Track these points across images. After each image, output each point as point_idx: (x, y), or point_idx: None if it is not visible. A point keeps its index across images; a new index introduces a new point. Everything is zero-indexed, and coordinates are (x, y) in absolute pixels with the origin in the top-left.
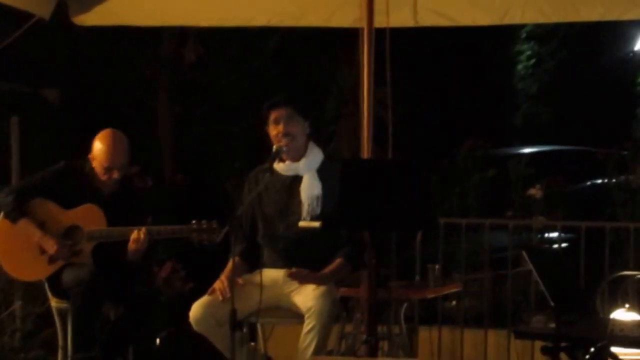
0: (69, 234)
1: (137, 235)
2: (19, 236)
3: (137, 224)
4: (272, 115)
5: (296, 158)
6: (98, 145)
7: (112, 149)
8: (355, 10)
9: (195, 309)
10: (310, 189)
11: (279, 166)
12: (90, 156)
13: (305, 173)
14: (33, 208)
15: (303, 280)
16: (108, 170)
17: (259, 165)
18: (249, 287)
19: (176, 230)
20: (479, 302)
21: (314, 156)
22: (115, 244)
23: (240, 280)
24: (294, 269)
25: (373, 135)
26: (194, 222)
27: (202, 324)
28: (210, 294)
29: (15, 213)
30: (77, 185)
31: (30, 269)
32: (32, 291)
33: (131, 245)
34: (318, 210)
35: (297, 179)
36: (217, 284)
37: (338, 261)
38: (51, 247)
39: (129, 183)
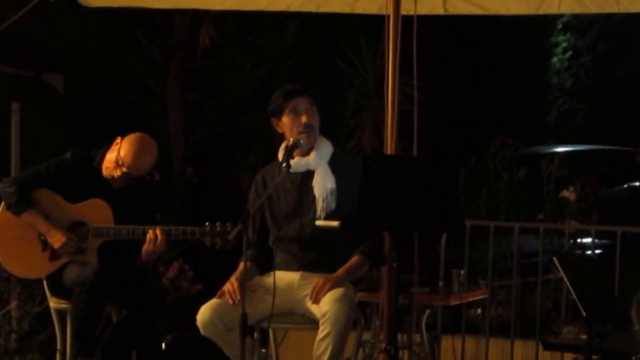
0: (74, 229)
1: (153, 235)
2: (19, 230)
3: (147, 222)
4: (291, 104)
5: (306, 152)
6: (125, 145)
7: (138, 154)
8: None
9: (203, 313)
10: (323, 183)
11: (290, 164)
12: (112, 148)
13: (317, 167)
14: (37, 200)
15: (324, 293)
16: (118, 165)
17: (267, 166)
18: (261, 290)
19: (188, 232)
20: (506, 311)
21: (324, 148)
22: (122, 242)
23: (251, 287)
24: (317, 281)
25: (397, 130)
26: (207, 224)
27: (210, 329)
28: (220, 296)
29: (20, 205)
30: (84, 178)
31: (30, 265)
32: (30, 290)
33: (148, 247)
34: (333, 205)
35: (308, 175)
36: (227, 287)
37: (356, 258)
38: (58, 240)
39: (140, 178)
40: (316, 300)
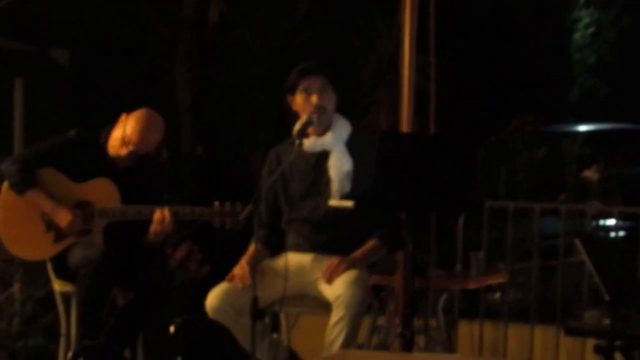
0: (79, 210)
1: (160, 215)
2: (22, 210)
3: (154, 202)
4: (303, 84)
5: (322, 132)
6: (131, 121)
7: (144, 131)
8: None
9: (213, 297)
10: (339, 165)
11: (303, 142)
12: (118, 126)
13: (333, 148)
14: (41, 179)
15: (338, 274)
16: (124, 143)
17: (282, 143)
18: (272, 273)
19: (196, 212)
20: (525, 295)
21: (341, 128)
22: (129, 223)
23: (261, 271)
24: (333, 262)
25: (413, 108)
26: (216, 204)
27: (219, 314)
28: (229, 280)
29: (23, 183)
30: (89, 157)
31: (34, 246)
32: (33, 272)
33: (156, 227)
34: (348, 188)
35: (323, 156)
36: (237, 270)
37: (372, 242)
38: (64, 218)
39: (147, 157)
40: (329, 280)
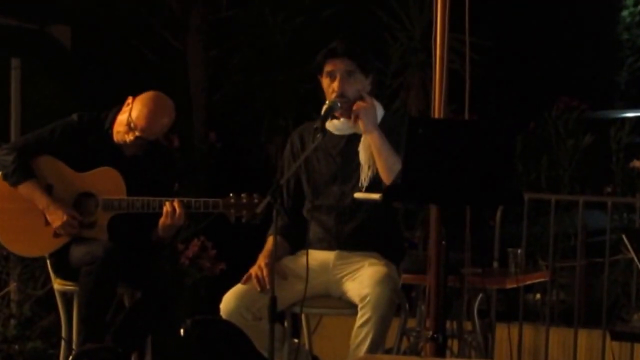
0: (81, 202)
1: (171, 208)
2: (19, 202)
3: (164, 193)
4: (328, 67)
5: (350, 117)
6: (137, 105)
7: (151, 115)
8: None
9: (228, 301)
10: (370, 149)
11: (331, 124)
12: (123, 110)
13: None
14: (39, 168)
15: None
16: (130, 128)
17: (307, 123)
18: (293, 274)
19: (210, 205)
20: (569, 296)
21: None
22: (136, 216)
23: (283, 274)
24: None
25: (447, 91)
26: (231, 195)
27: (235, 318)
28: (245, 282)
29: (17, 175)
30: (92, 143)
31: (32, 242)
32: (31, 270)
33: (165, 221)
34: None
35: (353, 139)
36: (255, 270)
37: None
38: (57, 219)
39: (156, 144)
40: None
